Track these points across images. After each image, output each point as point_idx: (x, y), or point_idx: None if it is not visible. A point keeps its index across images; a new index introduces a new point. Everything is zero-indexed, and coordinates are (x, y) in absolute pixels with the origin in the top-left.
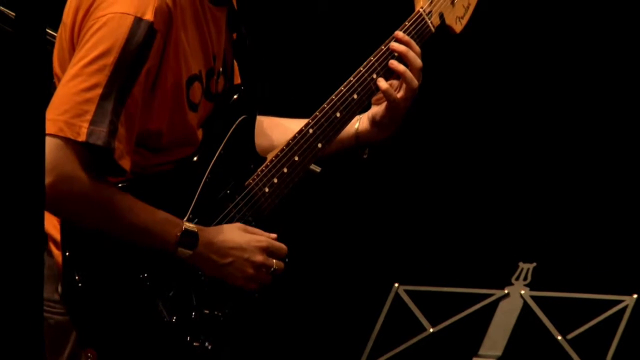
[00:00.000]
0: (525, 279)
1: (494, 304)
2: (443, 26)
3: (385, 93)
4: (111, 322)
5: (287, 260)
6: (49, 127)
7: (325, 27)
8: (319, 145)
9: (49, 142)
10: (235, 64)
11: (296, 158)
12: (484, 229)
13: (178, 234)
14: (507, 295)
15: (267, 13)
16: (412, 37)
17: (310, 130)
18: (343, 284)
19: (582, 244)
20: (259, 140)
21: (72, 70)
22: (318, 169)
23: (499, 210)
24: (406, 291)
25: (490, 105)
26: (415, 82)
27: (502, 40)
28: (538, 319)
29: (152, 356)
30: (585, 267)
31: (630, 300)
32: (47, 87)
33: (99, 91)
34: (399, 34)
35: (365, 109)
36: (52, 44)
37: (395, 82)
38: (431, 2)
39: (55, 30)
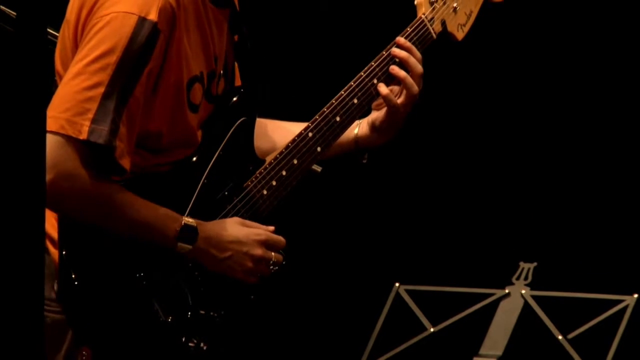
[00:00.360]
0: (525, 278)
1: (495, 304)
2: (445, 33)
3: (386, 98)
4: (106, 321)
5: (284, 254)
6: (50, 125)
7: (326, 29)
8: (318, 149)
9: (50, 139)
10: (236, 66)
11: (295, 161)
12: (484, 228)
13: (177, 228)
14: (508, 294)
15: (268, 15)
16: (413, 43)
17: (310, 134)
18: (343, 283)
19: (583, 243)
20: (261, 143)
21: (74, 68)
22: (319, 169)
23: (500, 210)
24: (407, 291)
25: (491, 106)
26: (415, 88)
27: (499, 43)
28: (539, 318)
29: (147, 356)
30: (586, 266)
31: (630, 300)
32: (48, 87)
33: (101, 90)
34: (400, 39)
35: (365, 113)
36: (53, 44)
37: (395, 88)
38: (433, 9)
39: (57, 30)
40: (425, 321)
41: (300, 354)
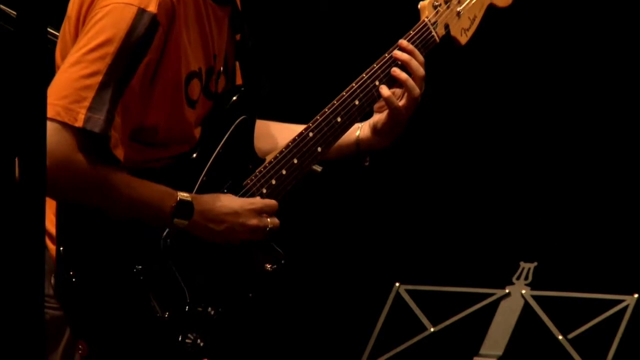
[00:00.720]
0: (526, 278)
1: (495, 304)
2: (448, 37)
3: (387, 100)
4: (103, 317)
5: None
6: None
7: (327, 29)
8: (319, 149)
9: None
10: (237, 65)
11: (295, 160)
12: (485, 228)
13: (173, 204)
14: (508, 294)
15: (270, 14)
16: (416, 47)
17: (310, 134)
18: (344, 283)
19: (583, 243)
20: (262, 144)
21: (73, 56)
22: (319, 169)
23: (500, 209)
24: (407, 290)
25: (491, 106)
26: (417, 91)
27: (499, 44)
28: (539, 318)
29: (144, 351)
30: (586, 266)
31: (631, 299)
32: (48, 86)
33: (98, 79)
34: (403, 42)
35: (367, 116)
36: (54, 43)
37: (398, 91)
38: (437, 13)
39: (57, 30)
40: (425, 321)
41: (300, 354)
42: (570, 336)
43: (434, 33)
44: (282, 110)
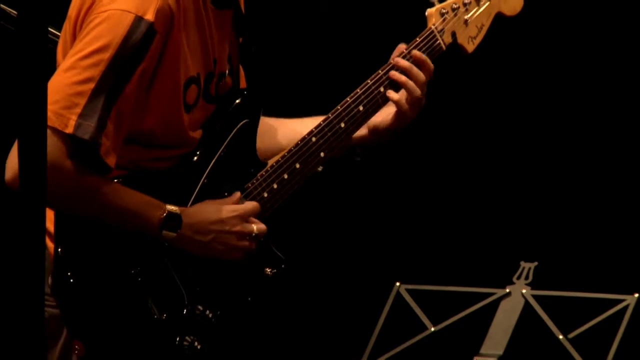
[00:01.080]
0: (526, 278)
1: (495, 303)
2: (455, 45)
3: (398, 104)
4: (100, 317)
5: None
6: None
7: (332, 33)
8: (322, 154)
9: None
10: (242, 67)
11: (297, 165)
12: (485, 228)
13: (162, 216)
14: (509, 294)
15: (269, 15)
16: (422, 54)
17: (314, 139)
18: (344, 283)
19: (584, 243)
20: (263, 141)
21: (68, 61)
22: (320, 168)
23: (501, 209)
24: (407, 290)
25: (491, 106)
26: (418, 92)
27: (499, 42)
28: (539, 318)
29: (140, 352)
30: (587, 266)
31: (631, 299)
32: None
33: (91, 85)
34: (415, 52)
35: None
36: (54, 43)
37: (403, 95)
38: (444, 20)
39: (59, 30)
40: (425, 320)
41: (300, 354)
42: (570, 336)
43: (440, 41)
44: (282, 110)
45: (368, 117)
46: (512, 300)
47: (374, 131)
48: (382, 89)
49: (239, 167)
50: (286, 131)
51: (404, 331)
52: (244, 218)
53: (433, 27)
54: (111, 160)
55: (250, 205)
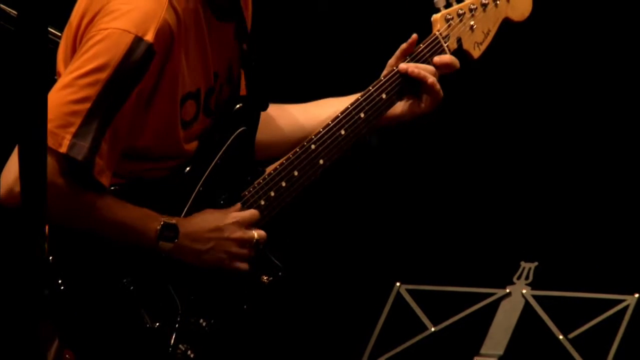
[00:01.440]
0: (526, 278)
1: (496, 303)
2: (460, 51)
3: (431, 87)
4: (91, 326)
5: (257, 244)
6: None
7: (329, 30)
8: (321, 161)
9: None
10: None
11: (295, 173)
12: (485, 228)
13: (158, 227)
14: (509, 294)
15: (269, 15)
16: (426, 60)
17: (313, 146)
18: (344, 283)
19: (584, 243)
20: (262, 130)
21: (65, 79)
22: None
23: (501, 209)
24: (407, 290)
25: (491, 106)
26: (437, 86)
27: (500, 42)
28: (539, 318)
29: None
30: (587, 266)
31: (631, 299)
32: (48, 86)
33: (87, 105)
34: (403, 46)
35: (370, 128)
36: (55, 43)
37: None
38: (449, 26)
39: (59, 30)
40: (426, 320)
41: (300, 354)
42: (570, 336)
43: (445, 46)
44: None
45: (369, 123)
46: (512, 301)
47: (410, 109)
48: (384, 96)
49: (236, 175)
50: (287, 119)
51: (404, 331)
52: (243, 225)
53: (438, 33)
54: (105, 180)
55: (249, 212)
